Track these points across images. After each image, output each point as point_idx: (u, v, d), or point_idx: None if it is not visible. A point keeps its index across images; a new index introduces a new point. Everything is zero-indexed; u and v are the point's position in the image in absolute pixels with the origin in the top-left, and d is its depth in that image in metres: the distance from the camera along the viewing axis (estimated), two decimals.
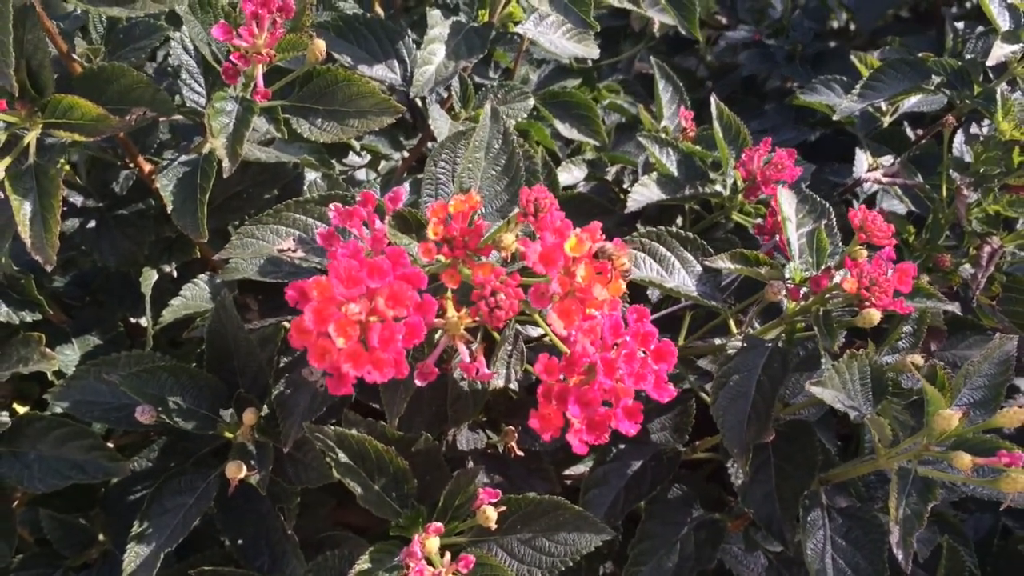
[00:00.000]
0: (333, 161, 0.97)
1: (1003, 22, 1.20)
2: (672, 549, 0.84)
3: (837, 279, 0.79)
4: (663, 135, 1.22)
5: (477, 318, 0.62)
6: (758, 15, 2.00)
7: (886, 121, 1.37)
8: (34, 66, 0.73)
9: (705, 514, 0.87)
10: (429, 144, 1.20)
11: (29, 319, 0.94)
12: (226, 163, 0.74)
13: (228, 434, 0.80)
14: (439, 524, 0.66)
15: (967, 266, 1.16)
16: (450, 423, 0.78)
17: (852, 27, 2.02)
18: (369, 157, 1.17)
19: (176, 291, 0.94)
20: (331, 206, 0.65)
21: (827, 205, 0.91)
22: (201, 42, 0.79)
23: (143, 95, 0.75)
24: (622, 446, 0.88)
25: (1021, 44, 1.18)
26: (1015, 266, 1.18)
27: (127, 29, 0.82)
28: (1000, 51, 1.15)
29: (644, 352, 0.63)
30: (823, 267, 0.82)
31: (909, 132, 1.40)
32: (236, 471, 0.73)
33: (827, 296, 0.79)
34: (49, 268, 0.74)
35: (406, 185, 0.67)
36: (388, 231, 0.64)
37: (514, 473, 0.83)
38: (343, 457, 0.70)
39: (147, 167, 0.92)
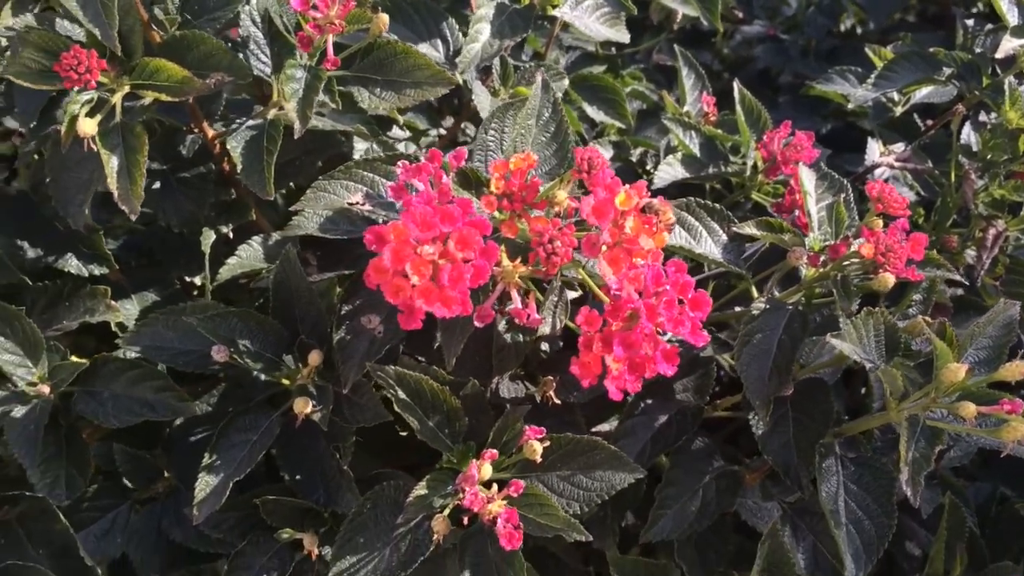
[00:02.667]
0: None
1: (1012, 17, 1.26)
2: (695, 495, 0.91)
3: (854, 247, 0.85)
4: (686, 119, 1.29)
5: (529, 267, 0.69)
6: (772, 11, 2.07)
7: (898, 111, 1.43)
8: (124, 30, 0.79)
9: (725, 465, 0.93)
10: (462, 123, 1.28)
11: (97, 272, 1.00)
12: (297, 125, 0.81)
13: (286, 381, 0.86)
14: (494, 451, 0.73)
15: (971, 250, 1.22)
16: (495, 371, 0.85)
17: (860, 30, 2.09)
18: (409, 133, 1.24)
19: (230, 252, 1.01)
20: (400, 163, 0.72)
21: (844, 181, 0.97)
22: (274, 13, 0.86)
23: (221, 61, 0.82)
24: (649, 401, 0.95)
25: None
26: (1019, 249, 1.25)
27: (202, 0, 0.89)
28: (1008, 44, 1.21)
29: (682, 301, 0.70)
30: (842, 236, 0.88)
31: (918, 122, 1.46)
32: (303, 406, 0.79)
33: (844, 263, 0.86)
34: (134, 217, 0.80)
35: (465, 149, 0.73)
36: (452, 186, 0.71)
37: (549, 424, 0.89)
38: (402, 394, 0.76)
39: (211, 132, 0.98)
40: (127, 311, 1.05)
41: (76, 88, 0.76)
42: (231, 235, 1.08)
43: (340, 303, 0.82)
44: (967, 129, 1.36)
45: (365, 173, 0.77)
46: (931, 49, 1.33)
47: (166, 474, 0.93)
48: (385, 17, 0.82)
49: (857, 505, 0.82)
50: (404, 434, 1.00)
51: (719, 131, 1.28)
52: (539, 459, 0.74)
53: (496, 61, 1.07)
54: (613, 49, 1.55)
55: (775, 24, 2.01)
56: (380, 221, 0.76)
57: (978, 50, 1.38)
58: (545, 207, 0.70)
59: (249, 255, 1.01)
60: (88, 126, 0.76)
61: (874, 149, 1.44)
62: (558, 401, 0.87)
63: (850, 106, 1.31)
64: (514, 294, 0.71)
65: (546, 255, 0.65)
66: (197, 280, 1.12)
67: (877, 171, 1.39)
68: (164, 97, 0.79)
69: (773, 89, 1.97)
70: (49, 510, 0.82)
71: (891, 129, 1.41)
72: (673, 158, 1.20)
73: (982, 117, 1.37)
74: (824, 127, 1.68)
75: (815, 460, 0.84)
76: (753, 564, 0.84)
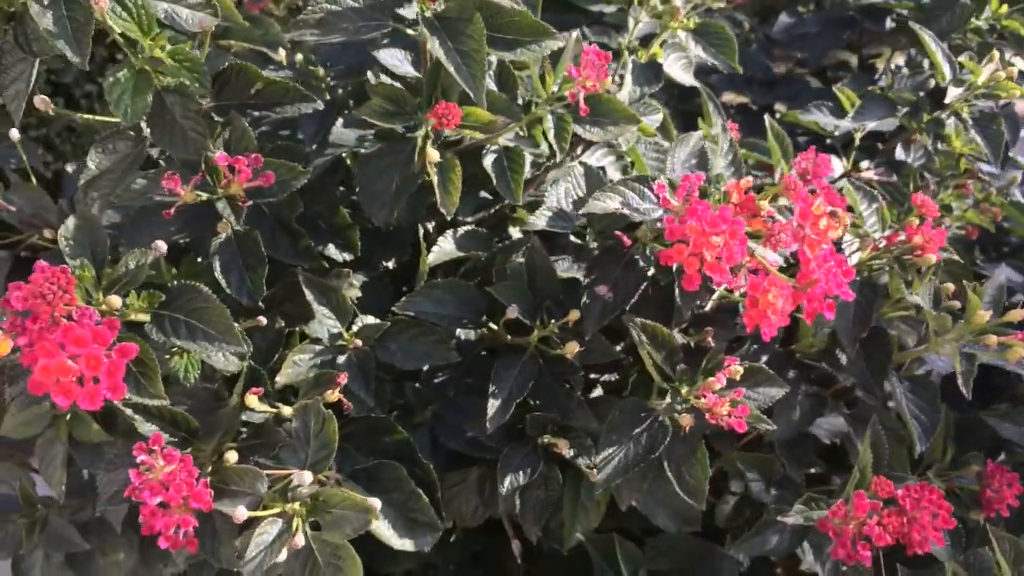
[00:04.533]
0: None
1: (947, 71, 1.73)
2: (794, 408, 1.32)
3: (902, 236, 1.28)
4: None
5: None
6: None
7: (858, 136, 1.89)
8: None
9: (810, 387, 1.35)
10: None
11: (349, 257, 1.31)
12: (558, 156, 1.17)
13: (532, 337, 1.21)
14: (734, 359, 1.11)
15: None
16: (673, 324, 1.22)
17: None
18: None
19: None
20: (656, 182, 1.09)
21: (876, 193, 1.41)
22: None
23: (508, 109, 1.16)
24: (755, 346, 1.35)
25: (962, 88, 1.72)
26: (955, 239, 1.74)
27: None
28: (953, 93, 1.69)
29: (839, 270, 1.10)
30: (891, 229, 1.32)
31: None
32: (573, 348, 1.15)
33: (895, 248, 1.29)
34: (449, 218, 1.14)
35: (702, 173, 1.11)
36: (696, 198, 1.08)
37: None
38: (643, 337, 1.13)
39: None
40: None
41: (428, 127, 1.09)
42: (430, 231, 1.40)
43: (585, 277, 1.17)
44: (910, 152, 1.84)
45: (622, 188, 1.13)
46: (889, 92, 1.80)
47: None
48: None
49: (916, 406, 1.25)
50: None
51: (743, 150, 1.70)
52: (738, 378, 1.13)
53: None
54: None
55: None
56: (636, 219, 1.12)
57: (908, 93, 1.86)
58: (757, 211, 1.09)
59: (444, 247, 1.35)
60: (434, 155, 1.09)
61: (836, 164, 1.90)
62: (713, 343, 1.26)
63: (836, 133, 1.76)
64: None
65: (775, 242, 1.04)
66: (390, 265, 1.43)
67: (839, 182, 1.84)
68: (476, 135, 1.13)
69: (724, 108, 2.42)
70: (383, 425, 1.14)
71: (858, 150, 1.88)
72: None
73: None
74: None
75: (882, 380, 1.27)
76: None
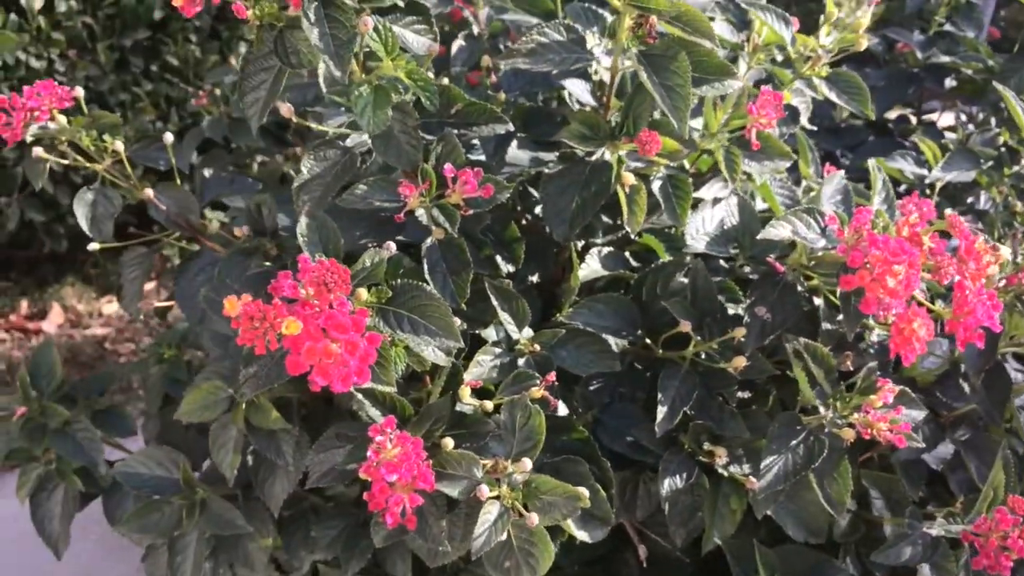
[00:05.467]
0: None
1: None
2: (918, 433, 1.42)
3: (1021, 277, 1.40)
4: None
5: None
6: None
7: (938, 186, 2.02)
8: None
9: (928, 414, 1.46)
10: None
11: (512, 269, 1.40)
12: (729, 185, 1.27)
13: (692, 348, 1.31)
14: (886, 380, 1.21)
15: None
16: None
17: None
18: None
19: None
20: (827, 215, 1.20)
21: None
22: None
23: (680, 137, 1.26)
24: (878, 373, 1.45)
25: None
26: None
27: None
28: None
29: (990, 303, 1.21)
30: (1012, 272, 1.43)
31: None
32: (740, 362, 1.25)
33: (1015, 288, 1.40)
34: (633, 235, 1.23)
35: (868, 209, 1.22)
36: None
37: None
38: (805, 355, 1.23)
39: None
40: None
41: (620, 152, 1.19)
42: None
43: (748, 298, 1.28)
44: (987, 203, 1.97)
45: (793, 219, 1.23)
46: (973, 146, 1.93)
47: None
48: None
49: None
50: None
51: None
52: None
53: None
54: None
55: None
56: (811, 247, 1.22)
57: (989, 148, 1.99)
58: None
59: (592, 265, 1.45)
60: (630, 178, 1.19)
61: None
62: (852, 368, 1.36)
63: (927, 181, 1.89)
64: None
65: (944, 274, 1.15)
66: (534, 279, 1.53)
67: None
68: (663, 162, 1.23)
69: None
70: (564, 423, 1.23)
71: (944, 198, 2.00)
72: None
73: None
74: None
75: (1003, 410, 1.38)
76: None
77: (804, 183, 1.91)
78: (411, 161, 1.17)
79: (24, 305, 3.50)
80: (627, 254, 1.56)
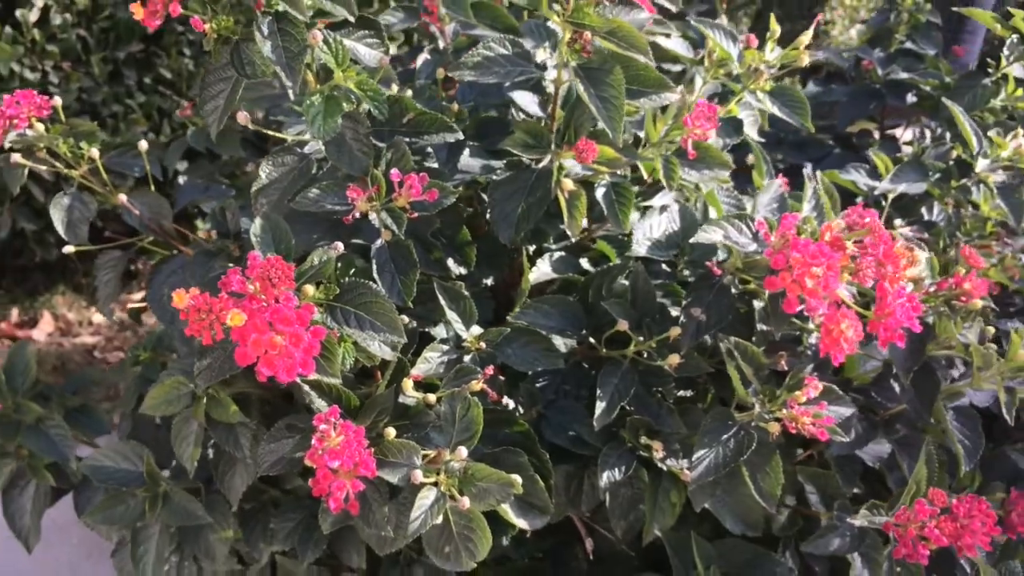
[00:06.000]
0: None
1: (975, 144, 1.94)
2: (851, 430, 1.48)
3: (950, 283, 1.47)
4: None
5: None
6: None
7: (890, 197, 2.09)
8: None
9: (863, 414, 1.52)
10: None
11: (463, 271, 1.47)
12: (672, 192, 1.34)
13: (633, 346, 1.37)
14: (813, 378, 1.28)
15: None
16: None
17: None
18: None
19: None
20: (756, 220, 1.26)
21: (923, 246, 1.59)
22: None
23: (628, 151, 1.33)
24: (816, 372, 1.52)
25: (989, 160, 1.92)
26: None
27: None
28: (982, 164, 1.89)
29: (910, 305, 1.27)
30: (940, 277, 1.50)
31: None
32: (675, 360, 1.31)
33: (946, 292, 1.47)
34: (574, 239, 1.30)
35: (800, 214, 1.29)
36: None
37: None
38: (736, 353, 1.30)
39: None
40: None
41: (560, 160, 1.26)
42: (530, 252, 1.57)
43: (684, 299, 1.34)
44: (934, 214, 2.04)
45: (725, 223, 1.30)
46: (922, 159, 2.00)
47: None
48: None
49: (961, 432, 1.42)
50: None
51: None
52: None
53: None
54: None
55: None
56: (741, 250, 1.29)
57: (938, 162, 2.06)
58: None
59: (543, 268, 1.51)
60: (569, 184, 1.26)
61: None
62: (786, 367, 1.43)
63: (876, 192, 1.96)
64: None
65: (862, 276, 1.21)
66: (488, 281, 1.59)
67: None
68: (603, 169, 1.30)
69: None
70: (505, 416, 1.29)
71: (894, 208, 2.07)
72: None
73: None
74: None
75: (931, 409, 1.44)
76: None
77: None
78: (362, 167, 1.24)
79: (15, 313, 3.56)
80: (584, 260, 1.63)
